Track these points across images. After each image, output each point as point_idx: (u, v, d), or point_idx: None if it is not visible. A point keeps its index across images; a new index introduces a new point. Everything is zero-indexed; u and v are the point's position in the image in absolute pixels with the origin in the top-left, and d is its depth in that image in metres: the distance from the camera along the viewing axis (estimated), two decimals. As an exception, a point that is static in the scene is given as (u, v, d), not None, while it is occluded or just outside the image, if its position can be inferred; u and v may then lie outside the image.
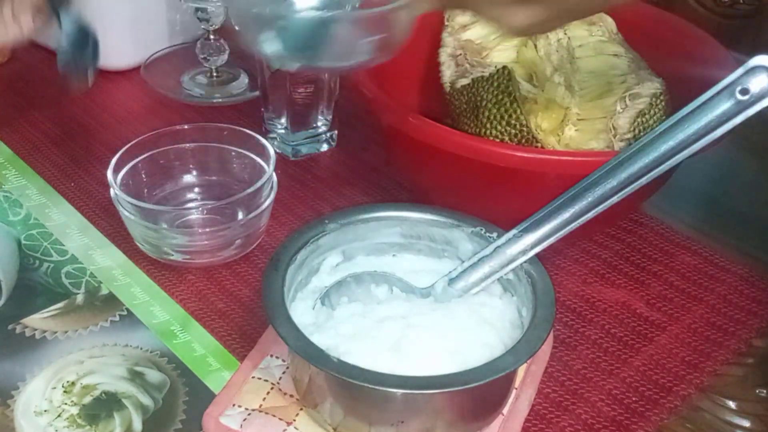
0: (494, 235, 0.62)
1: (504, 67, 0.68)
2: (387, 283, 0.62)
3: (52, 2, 0.73)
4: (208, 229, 0.72)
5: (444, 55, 0.77)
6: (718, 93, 0.54)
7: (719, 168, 0.83)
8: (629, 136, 0.67)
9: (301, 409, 0.59)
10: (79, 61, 0.73)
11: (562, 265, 0.73)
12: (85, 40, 0.73)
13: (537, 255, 0.60)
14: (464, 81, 0.71)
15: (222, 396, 0.61)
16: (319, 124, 0.87)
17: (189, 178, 0.78)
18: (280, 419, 0.59)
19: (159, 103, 0.96)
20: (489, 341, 0.57)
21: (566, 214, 0.59)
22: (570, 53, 0.73)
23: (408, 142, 0.69)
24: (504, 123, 0.67)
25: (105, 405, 0.61)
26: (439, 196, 0.70)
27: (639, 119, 0.67)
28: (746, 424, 0.60)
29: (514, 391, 0.60)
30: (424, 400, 0.54)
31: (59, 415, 0.60)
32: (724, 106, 0.54)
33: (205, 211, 0.75)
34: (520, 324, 0.59)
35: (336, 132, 0.89)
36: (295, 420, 0.59)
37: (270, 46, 0.56)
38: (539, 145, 0.67)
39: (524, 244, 0.59)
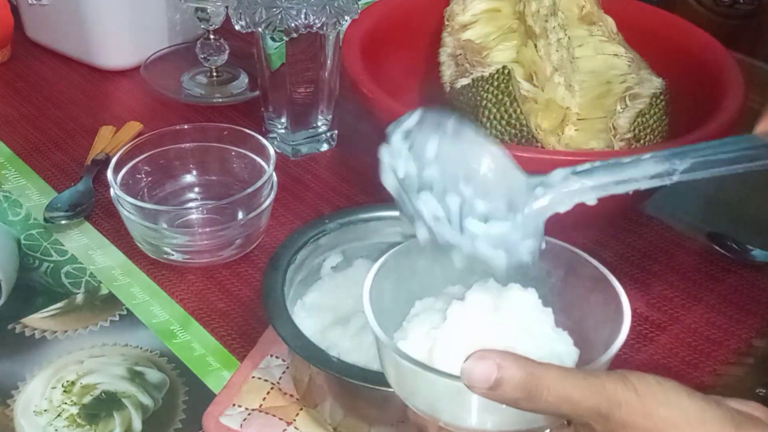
0: None
1: (504, 67, 0.68)
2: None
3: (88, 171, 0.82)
4: (208, 229, 0.72)
5: (444, 55, 0.77)
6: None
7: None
8: (629, 135, 0.67)
9: (301, 409, 0.59)
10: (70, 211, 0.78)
11: (562, 265, 0.73)
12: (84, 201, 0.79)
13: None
14: (464, 81, 0.71)
15: (222, 396, 0.61)
16: (319, 124, 0.87)
17: (189, 177, 0.78)
18: (280, 419, 0.59)
19: (159, 103, 0.96)
20: None
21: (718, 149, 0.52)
22: (570, 53, 0.73)
23: (408, 142, 0.69)
24: (504, 123, 0.66)
25: (105, 404, 0.61)
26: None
27: (639, 119, 0.67)
28: (746, 424, 0.60)
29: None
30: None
31: (59, 415, 0.60)
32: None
33: (205, 211, 0.75)
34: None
35: (336, 132, 0.88)
36: (295, 420, 0.59)
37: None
38: (539, 145, 0.67)
39: (673, 166, 0.50)
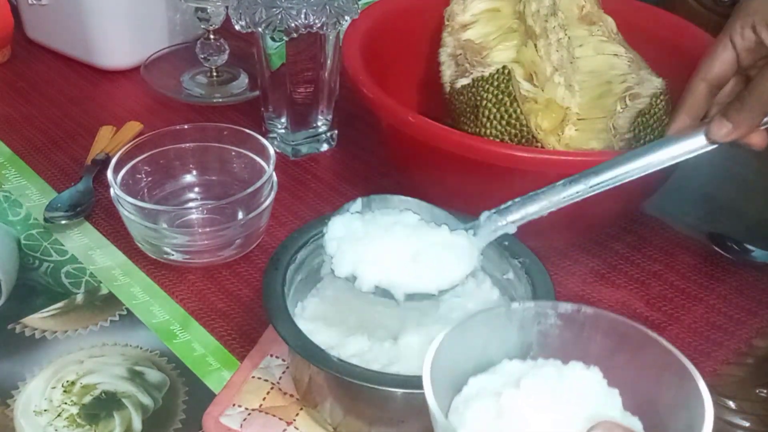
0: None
1: (504, 67, 0.68)
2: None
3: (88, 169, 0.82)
4: (208, 229, 0.72)
5: (444, 55, 0.77)
6: None
7: (719, 168, 0.83)
8: (629, 135, 0.67)
9: (301, 409, 0.59)
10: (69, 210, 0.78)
11: (562, 265, 0.73)
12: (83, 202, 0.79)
13: (537, 255, 0.60)
14: (464, 81, 0.71)
15: (222, 396, 0.60)
16: (319, 124, 0.87)
17: (189, 177, 0.78)
18: (280, 419, 0.59)
19: (159, 103, 0.96)
20: None
21: (622, 167, 0.58)
22: (570, 53, 0.73)
23: (408, 142, 0.69)
24: (504, 123, 0.66)
25: (105, 404, 0.61)
26: (439, 195, 0.70)
27: (639, 119, 0.67)
28: (746, 424, 0.60)
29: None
30: (424, 400, 0.54)
31: (59, 415, 0.60)
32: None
33: (205, 211, 0.75)
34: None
35: (336, 132, 0.89)
36: (295, 420, 0.59)
37: None
38: (539, 145, 0.67)
39: (583, 186, 0.58)
